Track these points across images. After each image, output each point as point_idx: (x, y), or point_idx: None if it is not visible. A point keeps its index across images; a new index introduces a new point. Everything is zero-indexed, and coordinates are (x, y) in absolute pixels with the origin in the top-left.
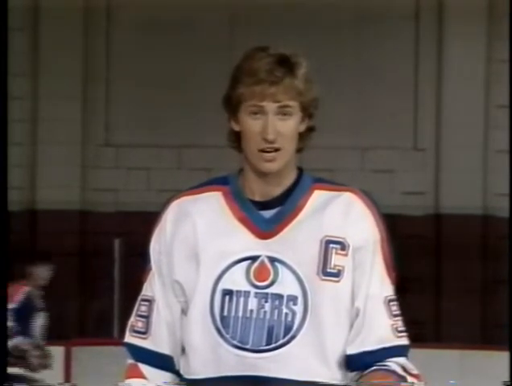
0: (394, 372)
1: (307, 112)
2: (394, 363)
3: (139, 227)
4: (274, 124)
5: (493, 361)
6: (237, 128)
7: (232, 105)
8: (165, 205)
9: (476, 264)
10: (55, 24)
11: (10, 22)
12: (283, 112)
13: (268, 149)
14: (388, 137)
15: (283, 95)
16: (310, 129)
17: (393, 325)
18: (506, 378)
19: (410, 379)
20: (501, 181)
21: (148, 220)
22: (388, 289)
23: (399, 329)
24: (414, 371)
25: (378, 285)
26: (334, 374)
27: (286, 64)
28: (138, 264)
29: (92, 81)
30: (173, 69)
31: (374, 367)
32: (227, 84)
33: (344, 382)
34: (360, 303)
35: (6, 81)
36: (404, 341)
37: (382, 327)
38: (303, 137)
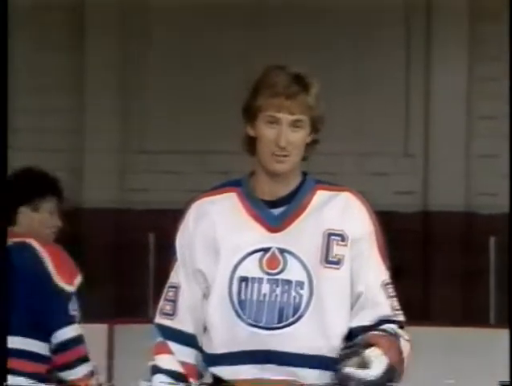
0: (384, 331)
1: (314, 126)
2: (386, 326)
3: (170, 223)
4: (287, 134)
5: (477, 338)
6: (252, 133)
7: (250, 114)
8: (187, 205)
9: (459, 254)
10: (98, 43)
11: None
12: (296, 124)
13: (279, 154)
14: (382, 144)
15: (297, 108)
16: (314, 142)
17: (390, 304)
18: (489, 354)
19: (401, 339)
20: (481, 182)
21: (177, 217)
22: (384, 274)
23: (396, 307)
24: (406, 337)
25: (376, 270)
26: (334, 346)
27: (301, 82)
28: (167, 255)
29: (129, 96)
30: (198, 80)
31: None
32: (244, 96)
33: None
34: (361, 287)
35: (6, 80)
36: (400, 317)
37: (381, 306)
38: (308, 147)
